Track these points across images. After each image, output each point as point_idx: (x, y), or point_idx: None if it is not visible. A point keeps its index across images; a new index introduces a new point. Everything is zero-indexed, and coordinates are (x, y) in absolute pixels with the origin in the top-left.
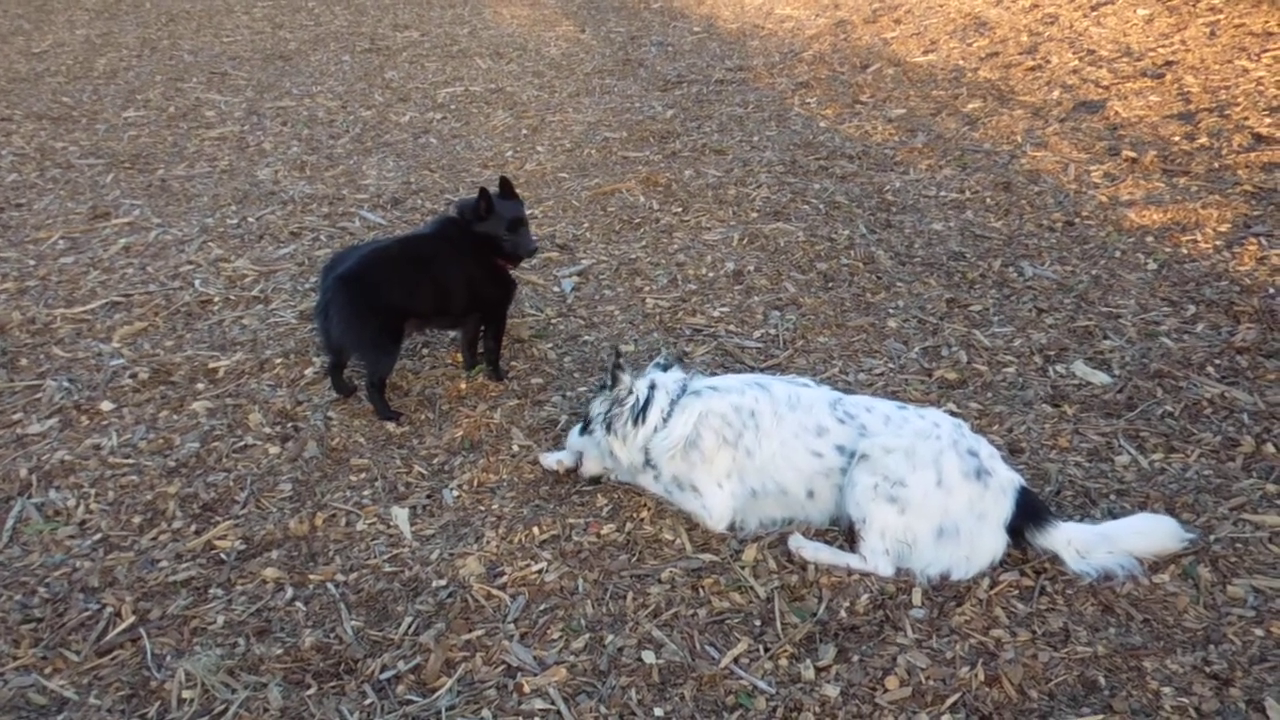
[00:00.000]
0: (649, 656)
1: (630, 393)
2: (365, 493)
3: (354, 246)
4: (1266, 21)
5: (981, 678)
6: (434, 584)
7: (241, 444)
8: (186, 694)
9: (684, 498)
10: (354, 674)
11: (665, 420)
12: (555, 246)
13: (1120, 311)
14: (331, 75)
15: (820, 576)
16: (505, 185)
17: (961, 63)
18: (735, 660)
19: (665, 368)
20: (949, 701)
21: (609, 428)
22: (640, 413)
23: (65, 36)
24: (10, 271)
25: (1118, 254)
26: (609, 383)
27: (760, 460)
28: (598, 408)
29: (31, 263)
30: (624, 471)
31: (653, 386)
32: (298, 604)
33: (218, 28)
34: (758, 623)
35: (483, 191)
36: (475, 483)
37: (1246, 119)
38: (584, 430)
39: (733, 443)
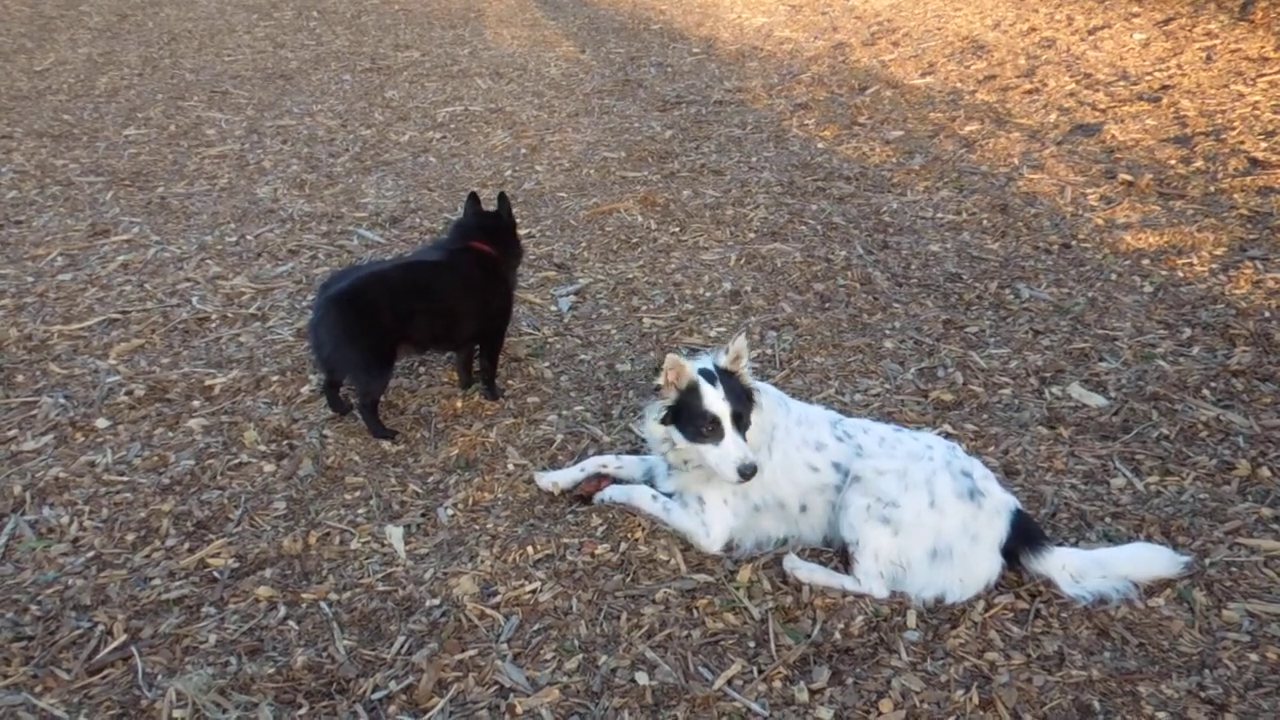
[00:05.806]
0: (642, 678)
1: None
2: (360, 511)
3: (354, 266)
4: (1262, 46)
5: (976, 701)
6: (427, 603)
7: (236, 461)
8: (177, 714)
9: (683, 515)
10: (346, 694)
11: None
12: (553, 265)
13: (1116, 334)
14: (332, 94)
15: (815, 598)
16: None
17: (959, 85)
18: (729, 682)
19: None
20: None
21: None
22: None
23: (67, 55)
24: (8, 288)
25: (1114, 276)
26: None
27: (766, 474)
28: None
29: (30, 279)
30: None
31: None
32: (290, 623)
33: (219, 47)
34: (752, 644)
35: (473, 195)
36: (470, 501)
37: (1242, 143)
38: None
39: None
